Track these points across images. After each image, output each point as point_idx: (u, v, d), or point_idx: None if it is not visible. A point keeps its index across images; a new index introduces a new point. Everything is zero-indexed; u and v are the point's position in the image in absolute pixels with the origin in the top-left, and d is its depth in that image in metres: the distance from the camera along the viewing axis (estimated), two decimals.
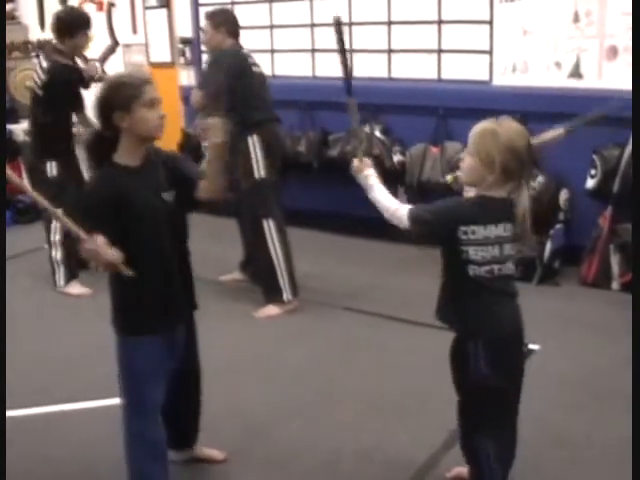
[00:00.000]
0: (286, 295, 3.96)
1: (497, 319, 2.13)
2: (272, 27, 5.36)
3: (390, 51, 4.99)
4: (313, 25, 5.25)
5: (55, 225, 4.37)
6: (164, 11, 5.88)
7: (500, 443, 2.19)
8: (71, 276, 4.43)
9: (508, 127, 2.05)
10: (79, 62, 4.34)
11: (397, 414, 2.95)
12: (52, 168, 4.30)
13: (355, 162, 2.27)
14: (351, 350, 3.56)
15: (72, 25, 4.26)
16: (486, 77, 4.65)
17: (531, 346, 3.26)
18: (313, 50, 5.31)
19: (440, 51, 4.79)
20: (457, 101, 4.61)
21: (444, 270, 2.19)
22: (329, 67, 5.26)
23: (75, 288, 4.41)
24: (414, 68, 4.91)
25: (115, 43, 4.47)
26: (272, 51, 5.43)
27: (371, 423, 2.88)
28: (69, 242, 4.38)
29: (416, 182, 4.69)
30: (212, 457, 2.63)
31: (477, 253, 2.05)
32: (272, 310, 3.97)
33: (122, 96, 2.12)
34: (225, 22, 4.06)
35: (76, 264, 4.46)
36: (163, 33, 5.94)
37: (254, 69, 4.00)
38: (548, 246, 4.23)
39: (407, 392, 3.12)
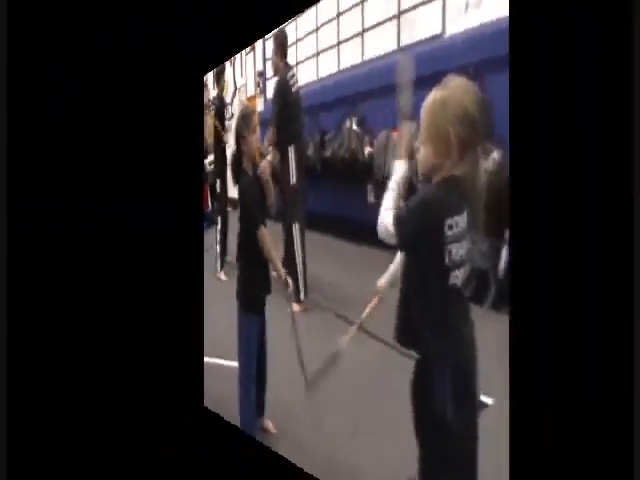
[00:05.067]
0: (302, 295, 4.01)
1: (465, 337, 1.68)
2: None
3: None
4: None
5: None
6: None
7: None
8: None
9: (454, 87, 1.59)
10: None
11: (389, 429, 2.70)
12: None
13: None
14: (343, 360, 3.26)
15: None
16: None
17: (483, 398, 2.28)
18: None
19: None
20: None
21: (412, 281, 1.63)
22: (328, 67, 4.89)
23: None
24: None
25: None
26: None
27: (362, 436, 2.73)
28: None
29: (383, 176, 4.04)
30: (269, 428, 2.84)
31: (458, 252, 1.56)
32: (294, 307, 3.95)
33: (244, 124, 2.52)
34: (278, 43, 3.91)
35: None
36: None
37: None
38: (504, 254, 2.94)
39: (402, 406, 2.75)
